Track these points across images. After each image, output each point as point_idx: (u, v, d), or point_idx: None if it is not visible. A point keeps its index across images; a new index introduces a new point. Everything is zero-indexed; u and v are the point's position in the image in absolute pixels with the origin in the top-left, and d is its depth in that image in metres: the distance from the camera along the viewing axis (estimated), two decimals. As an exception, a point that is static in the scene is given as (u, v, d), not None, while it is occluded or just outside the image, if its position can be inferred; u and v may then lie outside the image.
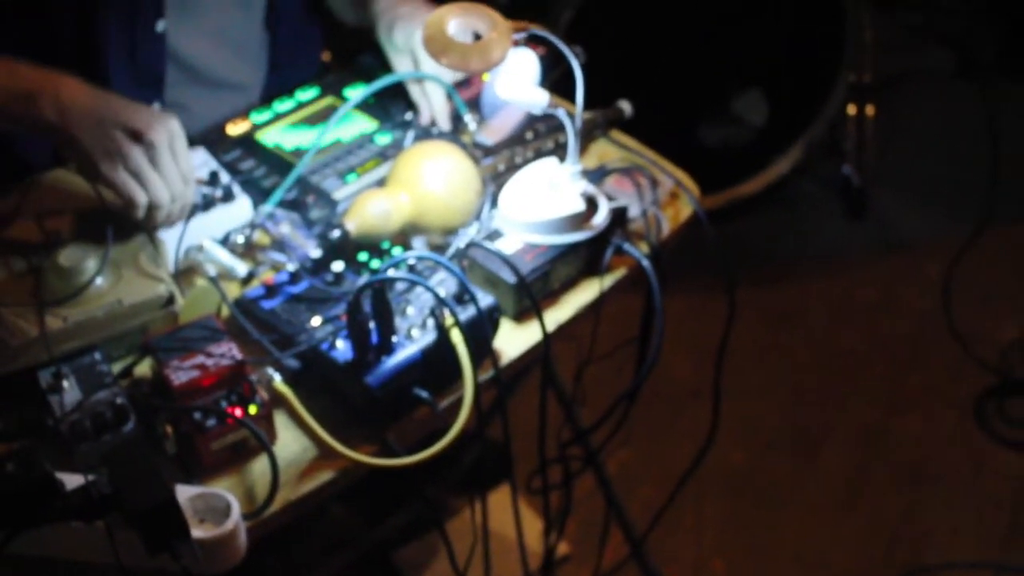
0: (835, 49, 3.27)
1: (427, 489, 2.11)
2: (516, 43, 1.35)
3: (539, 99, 1.48)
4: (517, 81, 1.48)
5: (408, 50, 1.73)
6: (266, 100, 1.83)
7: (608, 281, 1.55)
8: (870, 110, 3.52)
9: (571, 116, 1.49)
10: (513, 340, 1.46)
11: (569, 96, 1.51)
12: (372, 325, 1.30)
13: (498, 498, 2.09)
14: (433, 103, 1.73)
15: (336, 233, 1.43)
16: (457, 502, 2.31)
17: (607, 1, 2.91)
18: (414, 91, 1.76)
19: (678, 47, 3.12)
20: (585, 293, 1.55)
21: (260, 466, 1.30)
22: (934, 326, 3.03)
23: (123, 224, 1.47)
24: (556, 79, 1.63)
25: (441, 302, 1.32)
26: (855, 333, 3.09)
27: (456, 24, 1.32)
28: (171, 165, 1.45)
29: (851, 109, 3.50)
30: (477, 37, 1.37)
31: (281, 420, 1.34)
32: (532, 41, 1.52)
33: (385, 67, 1.79)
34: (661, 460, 2.58)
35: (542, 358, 1.44)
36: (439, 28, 1.31)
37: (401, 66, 1.76)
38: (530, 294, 1.41)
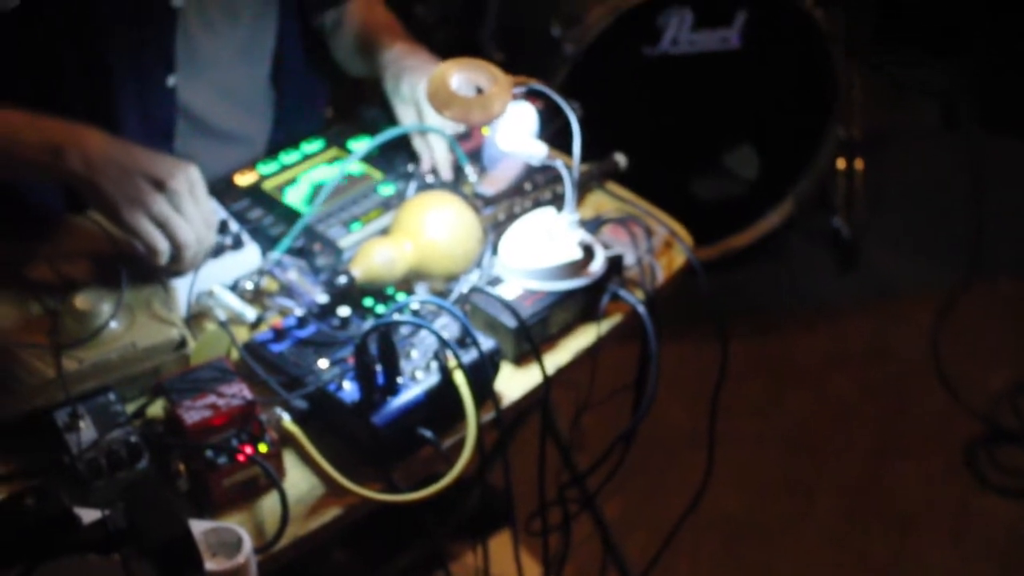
0: (824, 105, 3.35)
1: (429, 532, 2.14)
2: (516, 97, 1.41)
3: (538, 151, 1.54)
4: (517, 133, 1.54)
5: (413, 101, 1.79)
6: (272, 152, 1.89)
7: (605, 327, 1.60)
8: (859, 164, 3.60)
9: (568, 167, 1.55)
10: (513, 383, 1.51)
11: (566, 149, 1.57)
12: (378, 367, 1.35)
13: (498, 543, 2.12)
14: (435, 153, 1.79)
15: (343, 279, 1.48)
16: (457, 547, 2.34)
17: (601, 59, 3.00)
18: (417, 141, 1.81)
19: (671, 103, 3.20)
20: (582, 338, 1.59)
21: (269, 503, 1.34)
22: (924, 375, 3.09)
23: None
24: (553, 132, 1.69)
25: (445, 344, 1.37)
26: (846, 381, 3.14)
27: (458, 78, 1.39)
28: (193, 211, 1.51)
29: (840, 163, 3.58)
30: (479, 91, 1.43)
31: (289, 459, 1.38)
32: (530, 95, 1.59)
33: (388, 120, 1.85)
34: (656, 506, 2.61)
35: (542, 400, 1.49)
36: (442, 82, 1.38)
37: (406, 115, 1.82)
38: (530, 338, 1.46)
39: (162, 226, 1.50)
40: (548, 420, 1.53)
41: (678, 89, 3.18)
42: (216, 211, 1.64)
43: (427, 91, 1.40)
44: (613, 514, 2.57)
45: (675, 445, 2.81)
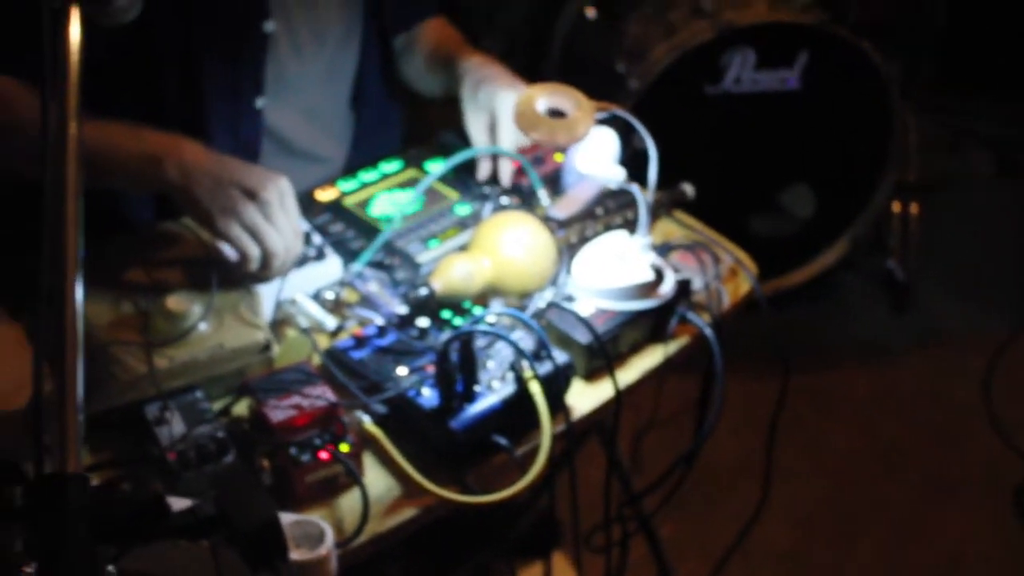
0: (882, 149, 3.39)
1: (485, 553, 2.19)
2: (598, 122, 1.47)
3: (616, 175, 1.60)
4: (598, 157, 1.60)
5: (488, 109, 1.85)
6: (349, 171, 1.96)
7: (672, 347, 1.65)
8: (914, 207, 3.64)
9: (642, 193, 1.61)
10: (583, 398, 1.56)
11: (632, 177, 1.62)
12: (458, 375, 1.41)
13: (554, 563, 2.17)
14: (500, 164, 1.86)
15: (423, 291, 1.55)
16: (508, 564, 2.38)
17: (664, 95, 3.06)
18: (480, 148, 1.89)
19: (731, 140, 3.26)
20: (649, 358, 1.65)
21: (347, 501, 1.40)
22: (974, 417, 3.10)
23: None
24: (622, 161, 1.76)
25: (523, 356, 1.43)
26: (897, 422, 3.16)
27: (545, 102, 1.45)
28: (283, 220, 1.58)
29: (896, 206, 3.62)
30: (560, 114, 1.49)
31: (367, 461, 1.44)
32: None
33: (463, 144, 1.91)
34: (705, 537, 2.65)
35: (613, 414, 1.54)
36: (529, 105, 1.44)
37: (478, 122, 1.88)
38: (605, 353, 1.52)
39: (253, 234, 1.58)
40: (614, 435, 1.57)
41: (738, 127, 3.23)
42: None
43: (514, 113, 1.46)
44: (665, 538, 2.61)
45: (726, 476, 2.85)
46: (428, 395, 1.44)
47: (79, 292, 0.97)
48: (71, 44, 1.03)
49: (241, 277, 1.61)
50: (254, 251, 1.58)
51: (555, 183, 1.85)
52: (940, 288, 3.68)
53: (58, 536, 0.88)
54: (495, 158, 1.86)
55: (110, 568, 0.99)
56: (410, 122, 2.19)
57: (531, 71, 3.44)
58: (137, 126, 1.61)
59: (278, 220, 1.58)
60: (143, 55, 1.71)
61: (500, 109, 1.83)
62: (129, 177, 1.61)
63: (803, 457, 2.99)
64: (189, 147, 1.60)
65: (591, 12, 3.53)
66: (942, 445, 3.09)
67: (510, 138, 1.83)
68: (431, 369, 1.47)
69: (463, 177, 1.88)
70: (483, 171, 1.87)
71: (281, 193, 1.60)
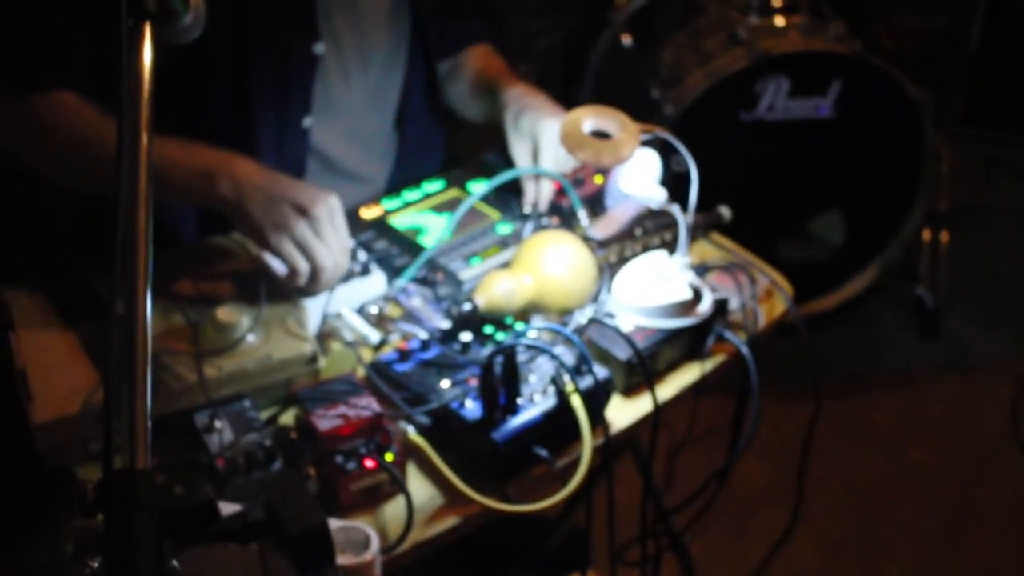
0: (913, 177, 3.43)
1: (518, 569, 2.21)
2: (642, 144, 1.51)
3: (658, 195, 1.64)
4: (641, 178, 1.64)
5: (531, 136, 1.90)
6: (392, 191, 2.01)
7: (709, 365, 1.68)
8: (944, 236, 3.66)
9: (682, 213, 1.64)
10: (621, 413, 1.59)
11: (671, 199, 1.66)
12: (501, 388, 1.45)
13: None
14: (541, 189, 1.90)
15: (467, 307, 1.58)
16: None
17: (699, 121, 3.10)
18: (523, 176, 1.93)
19: (764, 166, 3.29)
20: (687, 375, 1.68)
21: (390, 509, 1.43)
22: (1003, 445, 3.12)
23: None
24: (662, 183, 1.79)
25: (565, 370, 1.46)
26: (925, 448, 3.18)
27: (591, 123, 1.49)
28: (332, 236, 1.62)
29: (926, 234, 3.64)
30: (606, 136, 1.53)
31: (409, 470, 1.47)
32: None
33: (505, 164, 1.96)
34: (735, 555, 2.67)
35: (652, 428, 1.57)
36: (576, 127, 1.48)
37: (522, 149, 1.93)
38: (645, 368, 1.55)
39: (303, 250, 1.62)
40: (652, 450, 1.61)
41: (771, 153, 3.27)
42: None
43: (560, 134, 1.50)
44: (695, 556, 2.63)
45: (756, 496, 2.87)
46: (471, 407, 1.47)
47: (148, 300, 1.01)
48: (144, 59, 1.08)
49: (289, 291, 1.65)
50: (304, 266, 1.62)
51: (594, 204, 1.89)
52: (969, 316, 3.70)
53: (129, 527, 0.92)
54: (539, 183, 1.90)
55: (173, 562, 1.03)
56: (450, 144, 2.23)
57: (566, 97, 3.50)
58: (190, 142, 1.66)
59: (327, 236, 1.63)
60: (196, 73, 1.75)
61: (543, 137, 1.88)
62: (182, 192, 1.65)
63: (832, 479, 3.00)
64: (242, 163, 1.65)
65: (627, 39, 3.58)
66: (971, 471, 3.10)
67: (552, 165, 1.88)
68: (473, 382, 1.51)
69: (505, 197, 1.92)
70: (530, 195, 1.91)
71: (331, 210, 1.64)
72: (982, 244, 3.95)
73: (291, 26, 1.80)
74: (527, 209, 1.88)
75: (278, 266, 1.64)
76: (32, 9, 1.67)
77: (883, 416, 3.29)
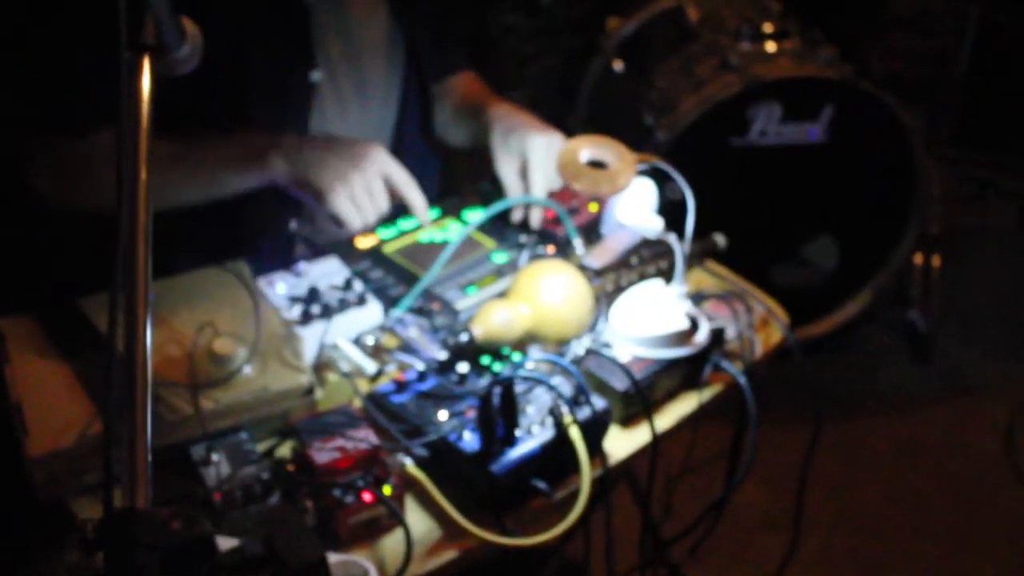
0: (905, 201, 3.43)
1: None
2: (639, 173, 1.51)
3: (655, 225, 1.64)
4: (637, 207, 1.64)
5: (519, 153, 1.92)
6: (389, 219, 2.00)
7: (706, 395, 1.67)
8: (936, 260, 3.66)
9: (678, 243, 1.64)
10: (619, 443, 1.59)
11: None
12: (499, 419, 1.44)
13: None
14: (532, 209, 1.92)
15: (464, 337, 1.58)
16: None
17: (691, 146, 3.10)
18: (510, 190, 1.94)
19: (755, 191, 3.30)
20: (684, 405, 1.67)
21: (388, 542, 1.42)
22: (999, 469, 3.12)
23: (270, 320, 1.63)
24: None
25: (563, 401, 1.46)
26: (921, 473, 3.17)
27: (587, 153, 1.49)
28: (381, 187, 1.74)
29: (918, 258, 3.65)
30: (603, 165, 1.53)
31: (408, 502, 1.47)
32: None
33: (500, 194, 1.95)
34: (731, 582, 2.67)
35: (650, 459, 1.56)
36: (573, 157, 1.48)
37: (508, 166, 1.94)
38: (643, 399, 1.55)
39: (358, 205, 1.72)
40: (651, 481, 1.60)
41: (763, 178, 3.28)
42: (332, 274, 1.79)
43: (558, 164, 1.50)
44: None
45: (753, 524, 2.86)
46: (469, 439, 1.46)
47: (148, 335, 1.00)
48: (143, 90, 1.08)
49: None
50: (357, 223, 1.72)
51: (590, 232, 1.88)
52: (962, 339, 3.70)
53: (130, 567, 0.91)
54: (528, 204, 1.91)
55: (173, 601, 1.02)
56: (445, 173, 2.23)
57: (558, 123, 3.51)
58: (230, 135, 1.76)
59: (377, 188, 1.73)
60: (195, 102, 1.76)
61: (531, 153, 1.89)
62: (238, 180, 1.75)
63: (828, 506, 3.00)
64: (287, 139, 1.73)
65: (619, 65, 3.59)
66: (967, 496, 3.10)
67: (541, 180, 1.89)
68: (471, 413, 1.50)
69: (500, 226, 1.92)
70: (517, 215, 1.92)
71: (381, 159, 1.75)
72: (974, 267, 3.97)
73: (288, 54, 1.81)
74: (516, 223, 1.90)
75: (350, 218, 1.74)
76: (54, 57, 1.71)
77: (879, 441, 3.29)
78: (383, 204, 1.77)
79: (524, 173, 1.91)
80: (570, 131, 3.51)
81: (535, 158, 1.88)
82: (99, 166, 1.74)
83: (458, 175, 2.32)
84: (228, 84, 1.77)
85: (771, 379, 1.82)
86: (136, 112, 1.07)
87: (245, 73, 1.78)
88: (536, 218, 1.91)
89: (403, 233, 1.93)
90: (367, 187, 1.74)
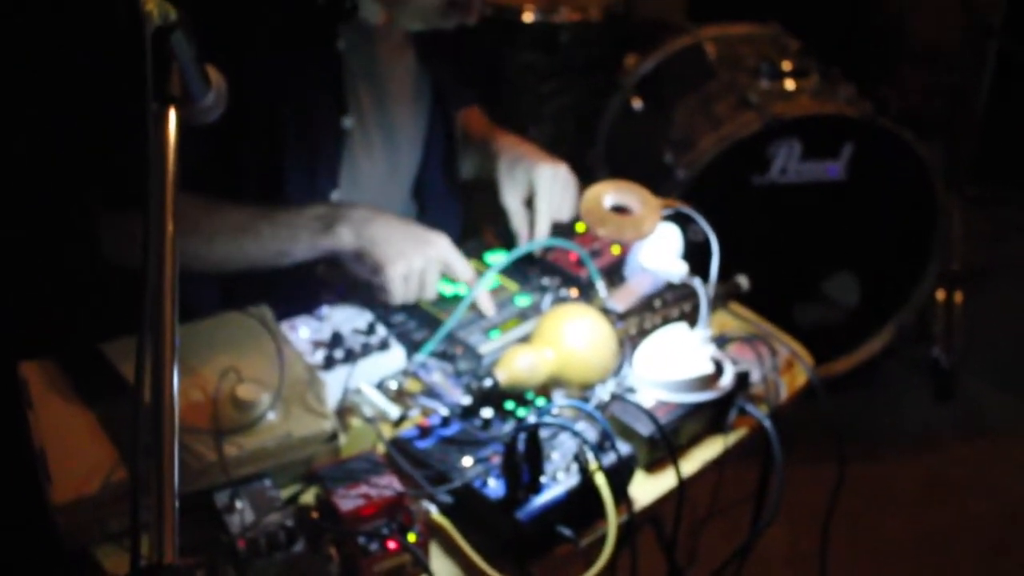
0: (926, 238, 3.42)
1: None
2: (663, 218, 1.51)
3: (678, 270, 1.63)
4: (661, 252, 1.64)
5: (526, 183, 1.96)
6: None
7: (731, 439, 1.66)
8: (959, 296, 3.65)
9: (703, 286, 1.64)
10: (645, 489, 1.58)
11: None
12: (524, 466, 1.43)
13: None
14: (538, 228, 1.94)
15: (488, 382, 1.57)
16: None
17: (711, 184, 3.10)
18: (516, 220, 1.97)
19: (776, 229, 3.29)
20: (709, 449, 1.66)
21: (413, 591, 1.41)
22: (1022, 506, 3.08)
23: (293, 365, 1.63)
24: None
25: (589, 447, 1.45)
26: (945, 512, 3.15)
27: (611, 198, 1.49)
28: (435, 275, 1.78)
29: (940, 295, 3.63)
30: (627, 210, 1.53)
31: (432, 550, 1.45)
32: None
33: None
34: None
35: (677, 505, 1.55)
36: (597, 202, 1.48)
37: (514, 196, 1.98)
38: (669, 445, 1.54)
39: (413, 284, 1.75)
40: (676, 527, 1.59)
41: (784, 216, 3.27)
42: (354, 317, 1.79)
43: (582, 209, 1.50)
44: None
45: (776, 563, 2.83)
46: (494, 485, 1.45)
47: (175, 388, 1.00)
48: (169, 142, 1.08)
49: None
50: (410, 297, 1.76)
51: (613, 275, 1.88)
52: (984, 376, 3.68)
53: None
54: (530, 225, 1.95)
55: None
56: (467, 215, 2.24)
57: (577, 161, 3.52)
58: (299, 207, 1.79)
59: (431, 275, 1.76)
60: (229, 151, 1.78)
61: (538, 183, 1.94)
62: (308, 251, 1.78)
63: (853, 544, 2.97)
64: (355, 211, 1.76)
65: (637, 103, 3.60)
66: (993, 534, 3.07)
67: (547, 210, 1.93)
68: (495, 459, 1.49)
69: (523, 269, 1.92)
70: (523, 237, 1.96)
71: (444, 248, 1.78)
72: (995, 303, 3.94)
73: (321, 101, 1.83)
74: (521, 245, 1.92)
75: (398, 296, 1.78)
76: (108, 128, 1.77)
77: (903, 479, 3.26)
78: (432, 292, 1.80)
79: (530, 203, 1.95)
80: (589, 169, 3.55)
81: (541, 188, 1.93)
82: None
83: (481, 217, 2.32)
84: (261, 131, 1.79)
85: (794, 417, 1.81)
86: (162, 164, 1.07)
87: (278, 120, 1.80)
88: (543, 232, 1.94)
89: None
90: (423, 271, 1.76)
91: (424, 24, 1.85)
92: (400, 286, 1.76)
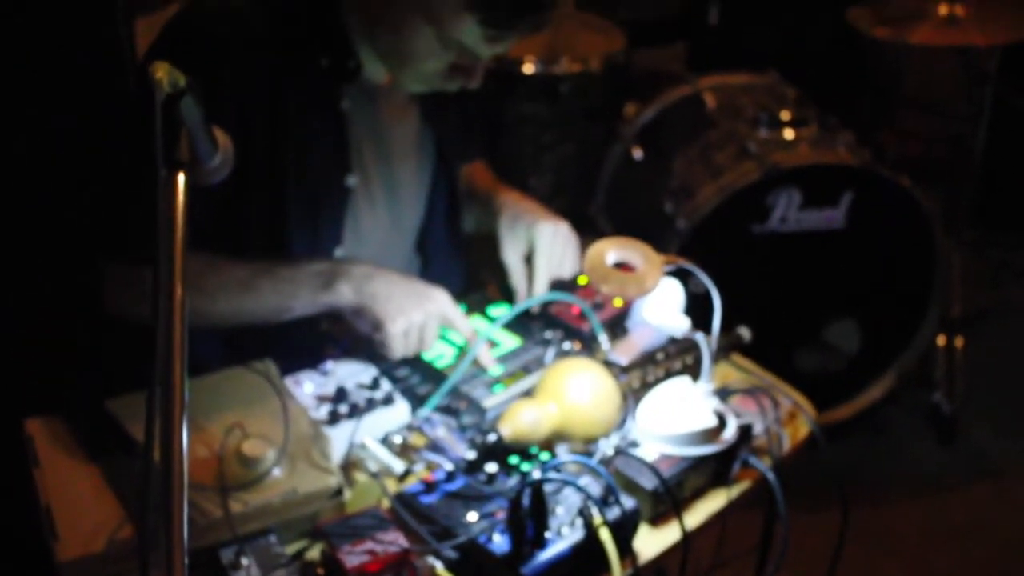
0: (926, 283, 3.44)
1: None
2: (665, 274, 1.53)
3: (681, 325, 1.65)
4: (664, 307, 1.65)
5: (527, 239, 1.99)
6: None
7: (734, 491, 1.67)
8: (959, 341, 3.66)
9: (705, 341, 1.65)
10: (649, 542, 1.58)
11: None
12: (528, 521, 1.44)
13: None
14: (536, 282, 1.96)
15: (492, 437, 1.58)
16: None
17: (711, 234, 3.12)
18: (515, 277, 1.99)
19: (776, 277, 3.31)
20: (712, 502, 1.67)
21: (420, 647, 1.42)
22: (1025, 554, 3.08)
23: (298, 420, 1.64)
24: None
25: (593, 502, 1.45)
26: (947, 557, 3.14)
27: (614, 255, 1.51)
28: (435, 331, 1.80)
29: (941, 340, 3.64)
30: (629, 267, 1.54)
31: (438, 607, 1.46)
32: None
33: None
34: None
35: (681, 558, 1.56)
36: (599, 259, 1.50)
37: (514, 252, 2.00)
38: (673, 499, 1.54)
39: (410, 340, 1.79)
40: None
41: (784, 264, 3.29)
42: (358, 372, 1.81)
43: (585, 266, 1.52)
44: None
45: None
46: (499, 541, 1.46)
47: (185, 451, 1.01)
48: (178, 209, 1.10)
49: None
50: (409, 352, 1.80)
51: (615, 327, 1.89)
52: (987, 421, 3.68)
53: None
54: (529, 282, 1.97)
55: None
56: (469, 269, 2.25)
57: (578, 211, 3.54)
58: (298, 262, 1.82)
59: (430, 330, 1.78)
60: (234, 210, 1.79)
61: (538, 240, 1.96)
62: (307, 305, 1.80)
63: (855, 593, 2.97)
64: (355, 268, 1.79)
65: (637, 152, 3.62)
66: (996, 580, 3.07)
67: (546, 267, 1.95)
68: (500, 514, 1.50)
69: (525, 323, 1.93)
70: (522, 294, 1.98)
71: (443, 303, 1.81)
72: (996, 348, 3.95)
73: (325, 160, 1.85)
74: (520, 301, 1.94)
75: (398, 352, 1.80)
76: (115, 184, 1.80)
77: (905, 525, 3.26)
78: (431, 346, 1.82)
79: (530, 258, 1.97)
80: (590, 219, 3.57)
81: (541, 245, 1.95)
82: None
83: (483, 271, 2.34)
84: (265, 190, 1.81)
85: (796, 465, 1.81)
86: (171, 229, 1.09)
87: (282, 179, 1.81)
88: (541, 287, 1.96)
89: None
90: (422, 327, 1.78)
91: (427, 87, 1.87)
92: (400, 342, 1.78)
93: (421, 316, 1.77)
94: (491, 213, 2.07)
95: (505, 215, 2.04)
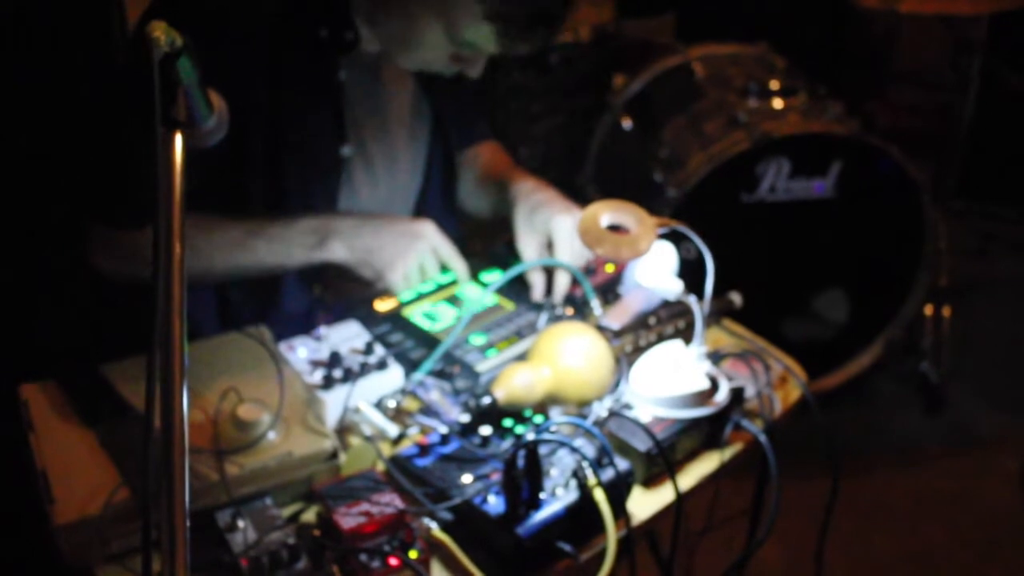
0: (914, 253, 3.46)
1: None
2: (659, 236, 1.53)
3: (674, 287, 1.66)
4: (658, 270, 1.66)
5: (544, 231, 1.94)
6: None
7: (727, 454, 1.68)
8: (946, 311, 3.68)
9: (698, 304, 1.66)
10: (642, 504, 1.59)
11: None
12: (524, 482, 1.45)
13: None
14: (557, 283, 1.92)
15: (486, 400, 1.59)
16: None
17: (700, 203, 3.13)
18: (531, 271, 1.95)
19: (765, 246, 3.32)
20: (705, 465, 1.68)
21: (416, 607, 1.43)
22: (1013, 520, 3.10)
23: (293, 385, 1.65)
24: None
25: (588, 463, 1.47)
26: (935, 525, 3.17)
27: (608, 218, 1.51)
28: (433, 263, 1.86)
29: (928, 309, 3.66)
30: (623, 229, 1.55)
31: (433, 566, 1.47)
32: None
33: (516, 256, 1.97)
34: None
35: (675, 519, 1.57)
36: (593, 222, 1.50)
37: (531, 243, 1.96)
38: (666, 460, 1.56)
39: (412, 280, 1.85)
40: (675, 542, 1.60)
41: (773, 233, 3.30)
42: (353, 337, 1.81)
43: (579, 229, 1.52)
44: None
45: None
46: (494, 502, 1.47)
47: (185, 411, 1.02)
48: (175, 168, 1.10)
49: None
50: (408, 293, 1.87)
51: (607, 293, 1.90)
52: (973, 390, 3.71)
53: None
54: (549, 277, 1.93)
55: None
56: (463, 236, 2.25)
57: (567, 180, 3.55)
58: (290, 219, 1.84)
59: (429, 264, 1.84)
60: (230, 176, 1.80)
61: (557, 232, 1.91)
62: (303, 262, 1.84)
63: (843, 558, 2.99)
64: (343, 221, 1.83)
65: (627, 122, 3.63)
66: (982, 547, 3.09)
67: (568, 259, 1.91)
68: (495, 476, 1.51)
69: (517, 288, 1.94)
70: (538, 291, 1.93)
71: (432, 235, 1.86)
72: (982, 317, 3.98)
73: (321, 130, 1.85)
74: (537, 300, 1.91)
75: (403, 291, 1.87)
76: (105, 148, 1.80)
77: (892, 493, 3.29)
78: (432, 276, 1.88)
79: (547, 250, 1.93)
80: (579, 189, 3.57)
81: (560, 237, 1.91)
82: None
83: (476, 238, 2.34)
84: (261, 157, 1.81)
85: (785, 431, 1.82)
86: (169, 188, 1.09)
87: (279, 147, 1.82)
88: (561, 291, 1.92)
89: (422, 296, 1.94)
90: (421, 264, 1.83)
91: (424, 68, 1.86)
92: (403, 285, 1.85)
93: (415, 256, 1.83)
94: (507, 201, 2.04)
95: (522, 206, 1.99)
